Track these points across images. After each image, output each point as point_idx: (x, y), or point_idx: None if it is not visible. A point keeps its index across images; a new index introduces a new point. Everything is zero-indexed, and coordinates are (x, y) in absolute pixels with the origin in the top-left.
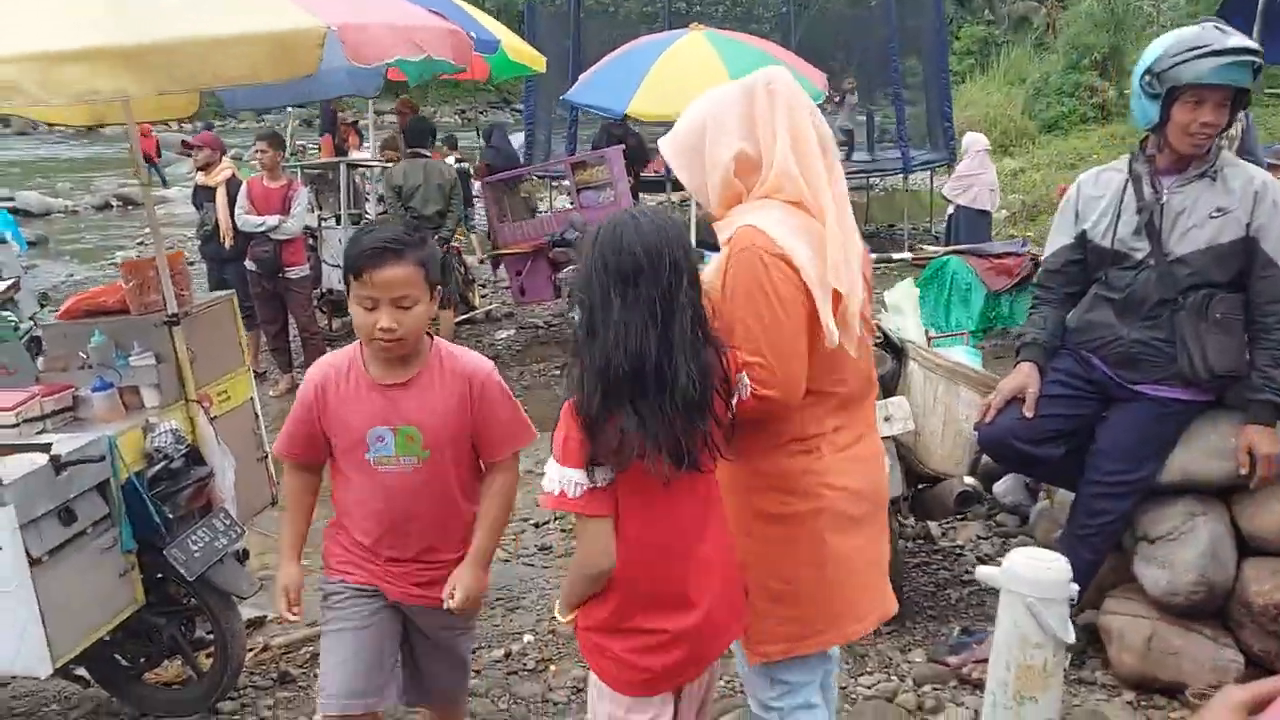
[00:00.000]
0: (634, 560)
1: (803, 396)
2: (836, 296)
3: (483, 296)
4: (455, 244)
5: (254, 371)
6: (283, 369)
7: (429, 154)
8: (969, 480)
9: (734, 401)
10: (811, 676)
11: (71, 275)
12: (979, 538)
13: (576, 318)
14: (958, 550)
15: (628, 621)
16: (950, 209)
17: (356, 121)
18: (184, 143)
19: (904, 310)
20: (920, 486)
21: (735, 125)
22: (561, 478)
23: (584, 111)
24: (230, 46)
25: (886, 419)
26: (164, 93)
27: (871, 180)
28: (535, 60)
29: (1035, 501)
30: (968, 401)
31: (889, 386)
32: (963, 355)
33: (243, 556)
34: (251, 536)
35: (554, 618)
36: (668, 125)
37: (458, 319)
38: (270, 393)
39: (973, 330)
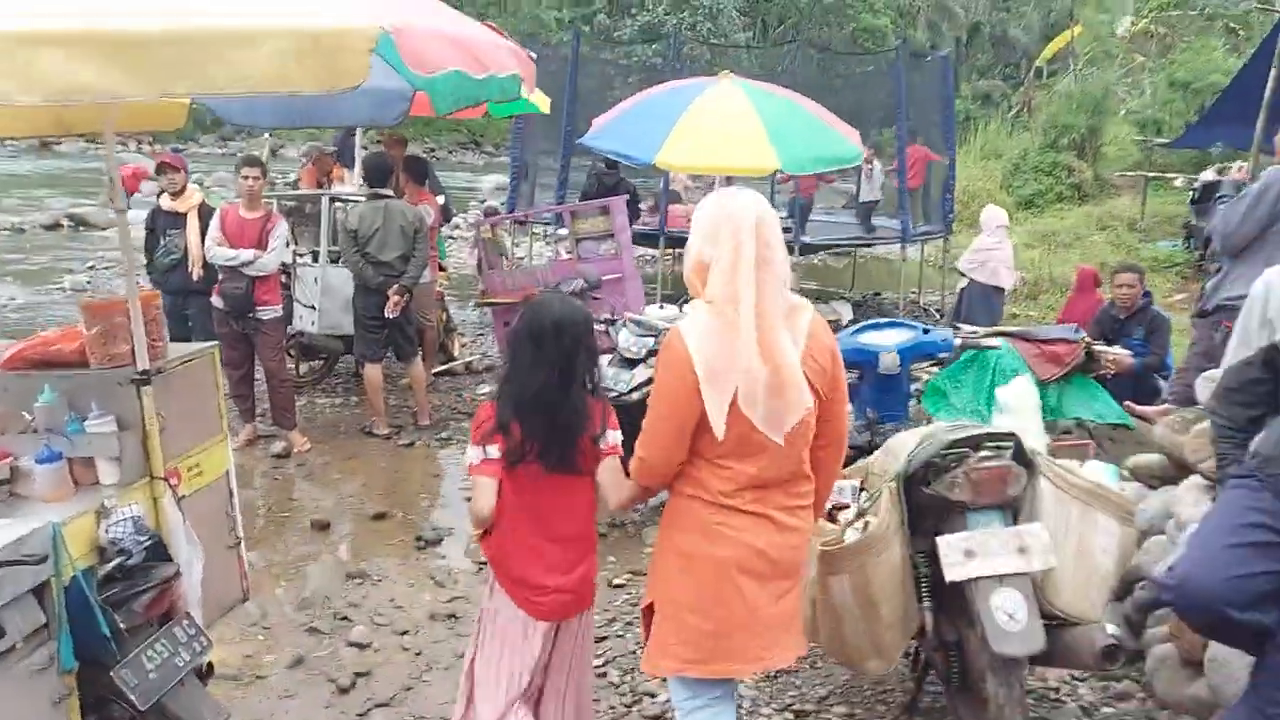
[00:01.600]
0: (510, 522)
1: (708, 470)
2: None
3: (463, 346)
4: (438, 288)
5: None
6: (245, 418)
7: (390, 194)
8: (1111, 630)
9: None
10: (714, 690)
11: (12, 299)
12: (1073, 678)
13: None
14: (1051, 694)
15: (504, 558)
16: (962, 284)
17: (339, 151)
18: (161, 163)
19: (1019, 412)
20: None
21: (705, 228)
22: (470, 453)
23: (574, 158)
24: (258, 44)
25: (1021, 550)
26: (167, 96)
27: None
28: (541, 101)
29: (1138, 638)
30: (1106, 530)
31: (1017, 507)
32: (1100, 472)
33: (205, 673)
34: (224, 629)
35: None
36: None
37: (436, 369)
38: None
39: None
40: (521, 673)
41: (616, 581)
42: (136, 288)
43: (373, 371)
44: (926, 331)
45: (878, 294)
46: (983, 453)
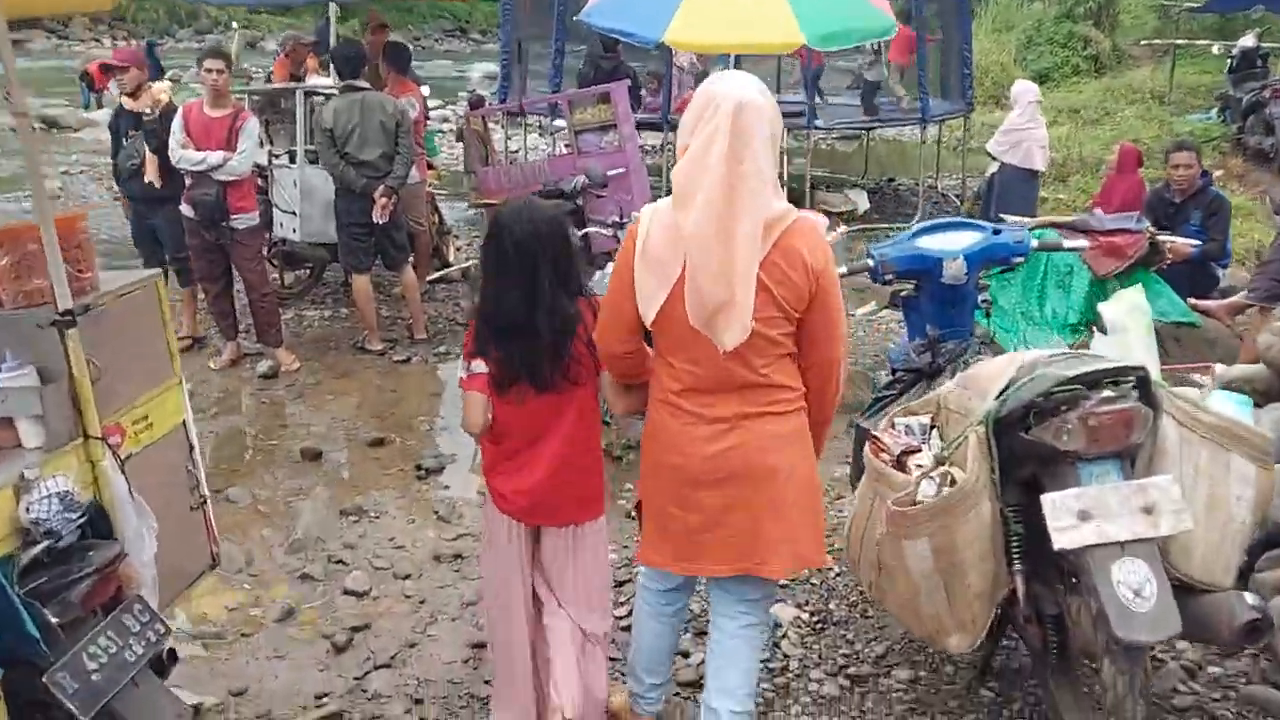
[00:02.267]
0: (501, 431)
1: (662, 366)
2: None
3: (458, 251)
4: (429, 188)
5: (191, 338)
6: (226, 335)
7: (367, 86)
8: (1251, 599)
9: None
10: (662, 581)
11: None
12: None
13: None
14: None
15: (493, 463)
16: (992, 168)
17: (317, 42)
18: (103, 65)
19: (1129, 330)
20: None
21: (687, 114)
22: (460, 368)
23: (569, 44)
24: None
25: (1147, 510)
26: None
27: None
28: None
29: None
30: (1241, 476)
31: (1134, 455)
32: (1229, 404)
33: (166, 663)
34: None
35: None
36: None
37: (431, 277)
38: (211, 364)
39: (1073, 324)
40: (509, 577)
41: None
42: (51, 209)
43: (361, 282)
44: (997, 232)
45: (892, 180)
46: (1104, 392)
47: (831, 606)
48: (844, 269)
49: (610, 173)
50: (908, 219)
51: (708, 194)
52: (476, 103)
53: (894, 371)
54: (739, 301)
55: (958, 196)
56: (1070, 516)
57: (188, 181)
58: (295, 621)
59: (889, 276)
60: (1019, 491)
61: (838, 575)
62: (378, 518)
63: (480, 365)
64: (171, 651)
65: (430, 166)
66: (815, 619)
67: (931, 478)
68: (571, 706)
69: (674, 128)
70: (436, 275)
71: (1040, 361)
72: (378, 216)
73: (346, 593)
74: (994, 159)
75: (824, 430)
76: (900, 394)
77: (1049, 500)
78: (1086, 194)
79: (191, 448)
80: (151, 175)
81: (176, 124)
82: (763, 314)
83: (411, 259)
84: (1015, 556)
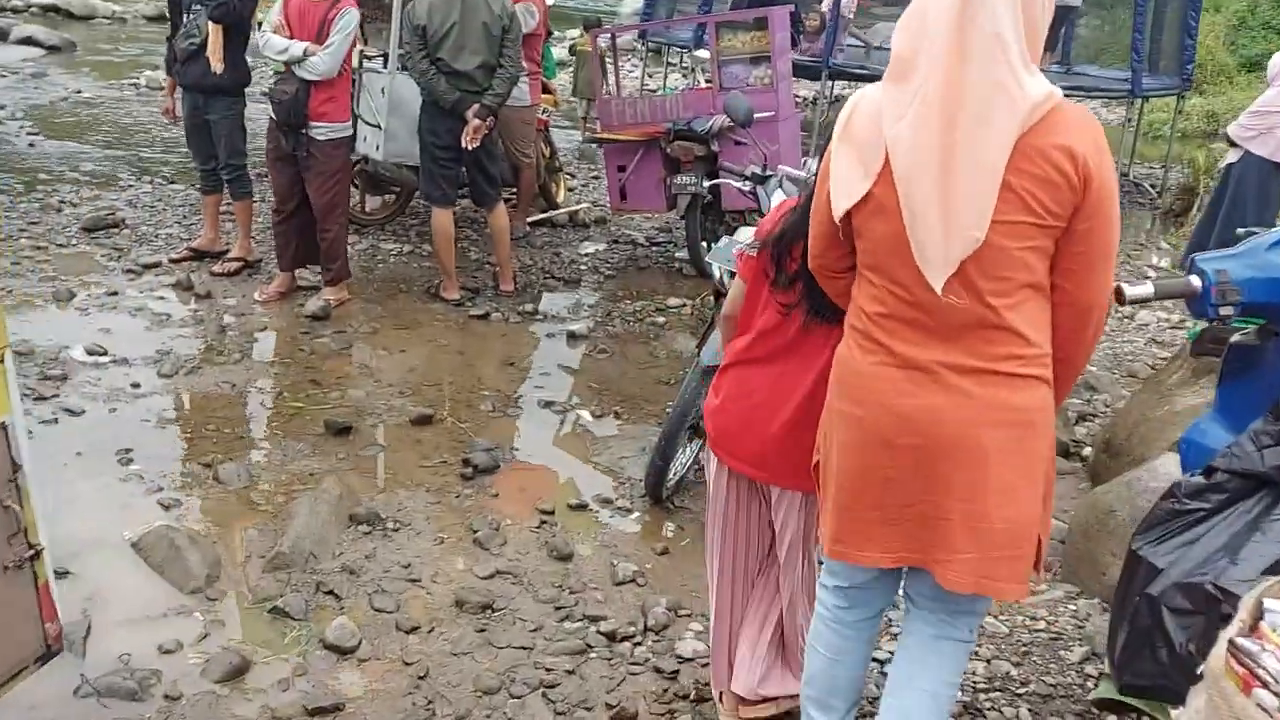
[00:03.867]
0: (741, 358)
1: (861, 283)
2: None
3: (570, 191)
4: (543, 115)
5: (245, 260)
6: (281, 265)
7: None
8: None
9: None
10: (856, 575)
11: (79, 92)
12: None
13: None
14: None
15: (721, 386)
16: (1229, 157)
17: None
18: None
19: None
20: None
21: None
22: (746, 239)
23: None
24: None
25: None
26: None
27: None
28: None
29: None
30: None
31: None
32: None
33: None
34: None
35: None
36: None
37: (533, 219)
38: (256, 296)
39: None
40: (735, 540)
41: None
42: None
43: (442, 219)
44: None
45: None
46: None
47: None
48: (1148, 288)
49: (756, 115)
50: None
51: (928, 61)
52: (593, 24)
53: (1204, 472)
54: (967, 214)
55: (1153, 187)
56: None
57: (279, 75)
58: (242, 686)
59: (1229, 308)
60: None
61: None
62: (396, 530)
63: (754, 247)
64: None
65: (546, 90)
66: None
67: None
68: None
69: (834, 75)
70: (540, 217)
71: None
72: (467, 141)
73: (326, 646)
74: (1234, 146)
75: (1064, 393)
76: (1212, 513)
77: None
78: None
79: (15, 466)
80: (212, 53)
81: (277, 7)
82: (1005, 217)
83: (503, 197)
84: None
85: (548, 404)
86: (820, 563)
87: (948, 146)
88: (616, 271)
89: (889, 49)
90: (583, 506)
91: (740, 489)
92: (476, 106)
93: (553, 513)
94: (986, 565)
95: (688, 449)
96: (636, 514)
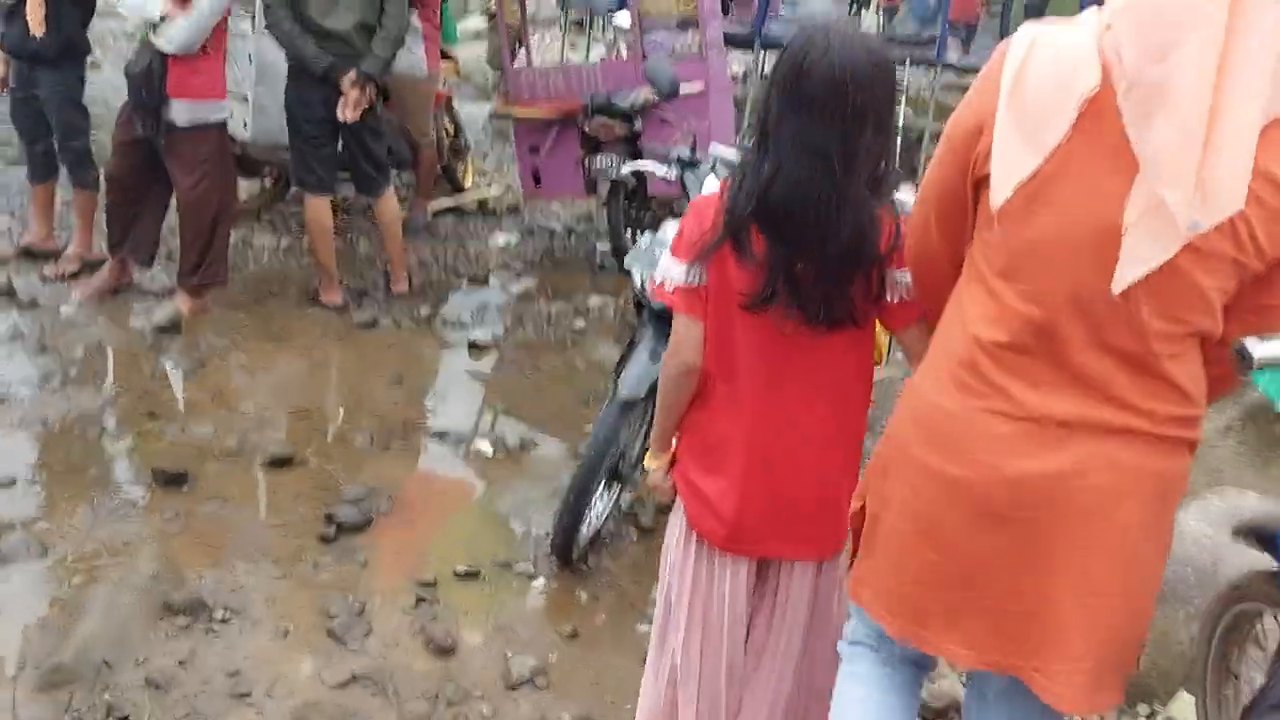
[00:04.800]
0: (716, 391)
1: (977, 292)
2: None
3: (481, 174)
4: (444, 87)
5: (84, 260)
6: (111, 250)
7: None
8: None
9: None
10: (867, 634)
11: None
12: None
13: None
14: None
15: (691, 446)
16: None
17: None
18: None
19: None
20: None
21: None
22: (663, 268)
23: None
24: None
25: None
26: None
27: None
28: None
29: None
30: None
31: None
32: None
33: None
34: None
35: None
36: None
37: (436, 206)
38: (74, 293)
39: None
40: (719, 638)
41: None
42: None
43: (318, 208)
44: None
45: None
46: None
47: None
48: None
49: (684, 88)
50: None
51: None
52: None
53: None
54: (1229, 162)
55: None
56: None
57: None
58: None
59: None
60: None
61: None
62: (226, 621)
63: (698, 274)
64: None
65: (446, 56)
66: None
67: None
68: None
69: (768, 46)
70: (443, 204)
71: None
72: (344, 114)
73: None
74: None
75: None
76: None
77: None
78: None
79: None
80: (30, 13)
81: None
82: (1207, 241)
83: (392, 182)
84: None
85: (440, 435)
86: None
87: (1222, 97)
88: (530, 267)
89: None
90: (473, 575)
91: (725, 569)
92: (353, 74)
93: (435, 585)
94: (1104, 677)
95: (605, 497)
96: (541, 581)
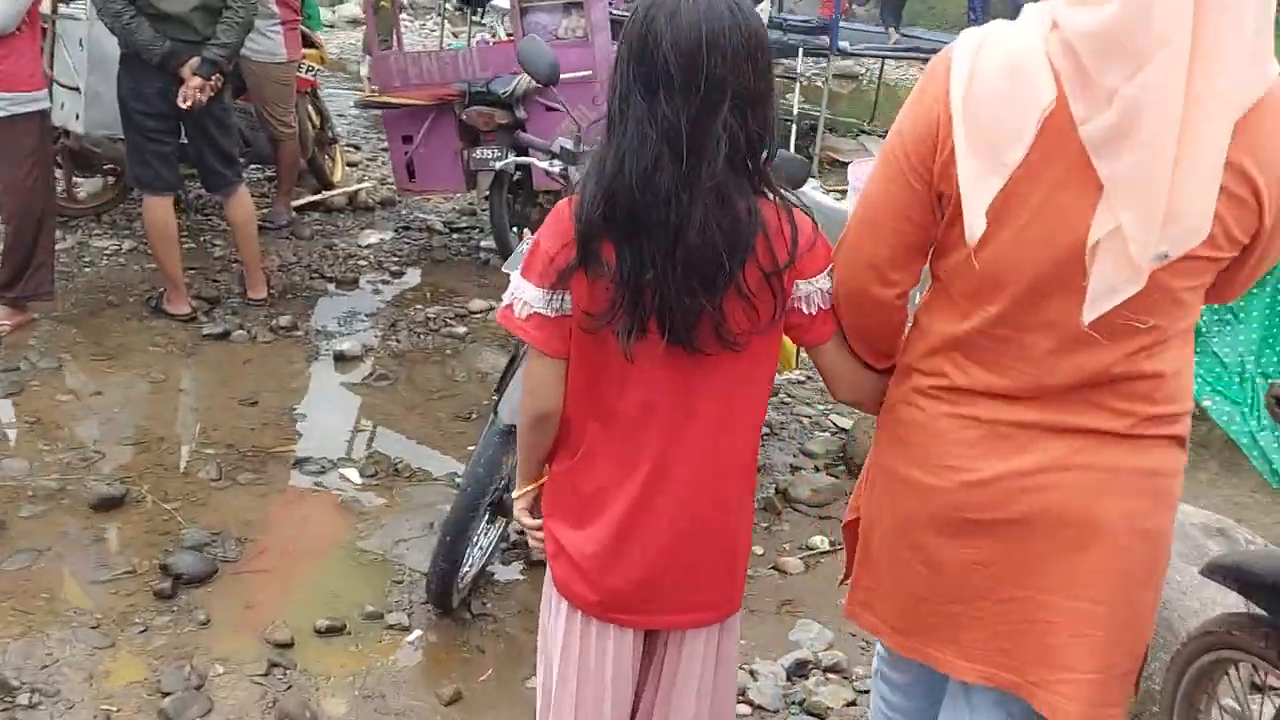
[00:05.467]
0: (584, 437)
1: (943, 304)
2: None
3: (352, 166)
4: (308, 75)
5: None
6: None
7: None
8: None
9: (791, 300)
10: (905, 672)
11: None
12: None
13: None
14: None
15: (560, 504)
16: None
17: None
18: None
19: None
20: None
21: None
22: (515, 289)
23: None
24: None
25: None
26: None
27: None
28: None
29: None
30: None
31: None
32: None
33: None
34: None
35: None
36: None
37: (300, 202)
38: None
39: None
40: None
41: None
42: None
43: (159, 210)
44: None
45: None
46: None
47: None
48: None
49: (567, 76)
50: None
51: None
52: None
53: None
54: (1193, 188)
55: None
56: None
57: None
58: None
59: None
60: None
61: None
62: (35, 706)
63: (560, 303)
64: None
65: (310, 43)
66: None
67: None
68: None
69: None
70: (309, 200)
71: None
72: (184, 100)
73: None
74: None
75: None
76: None
77: None
78: None
79: None
80: None
81: None
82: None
83: (243, 178)
84: None
85: (300, 462)
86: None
87: (1190, 118)
88: (406, 267)
89: None
90: (337, 630)
91: (604, 639)
92: (195, 61)
93: (290, 645)
94: (1106, 689)
95: (489, 532)
96: (417, 634)
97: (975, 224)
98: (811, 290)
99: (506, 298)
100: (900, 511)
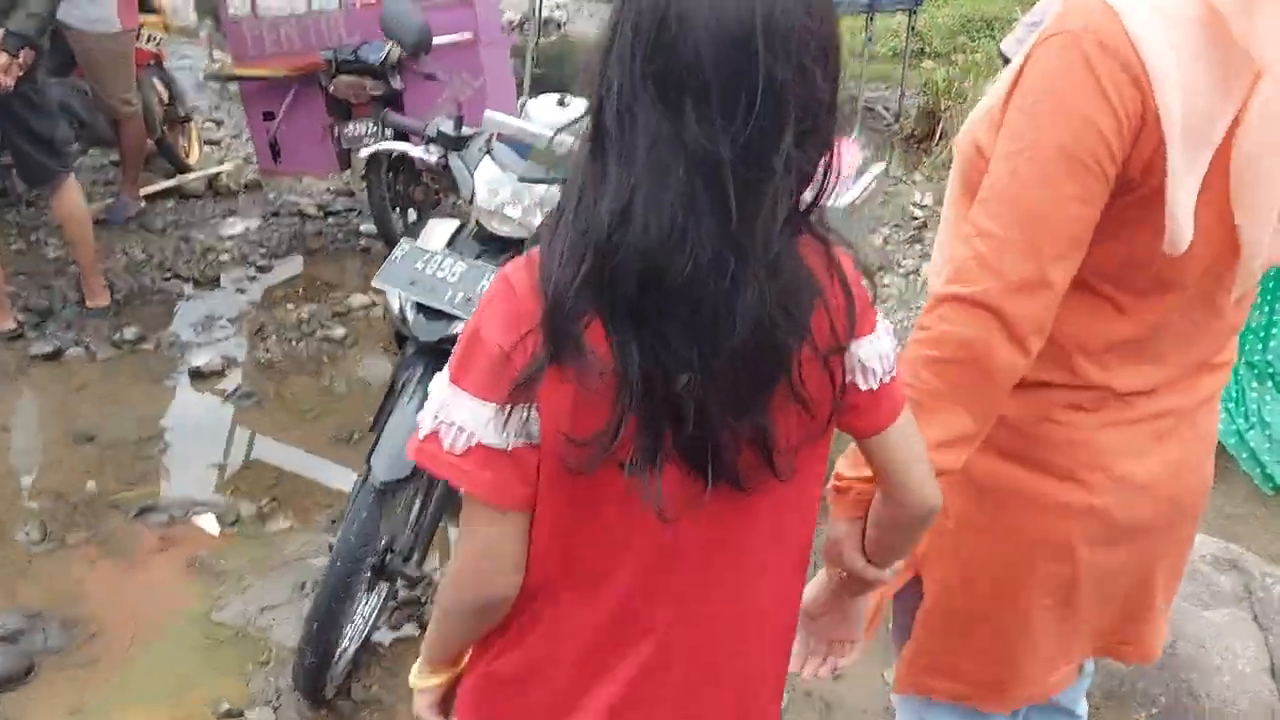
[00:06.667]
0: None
1: (1090, 306)
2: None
3: (211, 145)
4: (150, 45)
5: None
6: None
7: None
8: None
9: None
10: None
11: None
12: None
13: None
14: None
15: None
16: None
17: None
18: None
19: None
20: None
21: None
22: (442, 407)
23: None
24: None
25: None
26: None
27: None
28: None
29: None
30: None
31: None
32: None
33: None
34: None
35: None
36: None
37: (149, 190)
38: None
39: None
40: None
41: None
42: None
43: None
44: None
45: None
46: None
47: None
48: None
49: (442, 38)
50: None
51: None
52: None
53: None
54: None
55: (888, 110)
56: None
57: None
58: None
59: None
60: None
61: None
62: None
63: (522, 425)
64: None
65: (148, 7)
66: None
67: None
68: None
69: None
70: (160, 187)
71: None
72: None
73: None
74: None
75: None
76: None
77: None
78: None
79: None
80: None
81: None
82: None
83: (73, 168)
84: None
85: (145, 512)
86: None
87: None
88: (275, 260)
89: None
90: None
91: None
92: None
93: None
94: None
95: (371, 600)
96: None
97: (1184, 227)
98: (869, 355)
99: (426, 421)
100: (1025, 541)
